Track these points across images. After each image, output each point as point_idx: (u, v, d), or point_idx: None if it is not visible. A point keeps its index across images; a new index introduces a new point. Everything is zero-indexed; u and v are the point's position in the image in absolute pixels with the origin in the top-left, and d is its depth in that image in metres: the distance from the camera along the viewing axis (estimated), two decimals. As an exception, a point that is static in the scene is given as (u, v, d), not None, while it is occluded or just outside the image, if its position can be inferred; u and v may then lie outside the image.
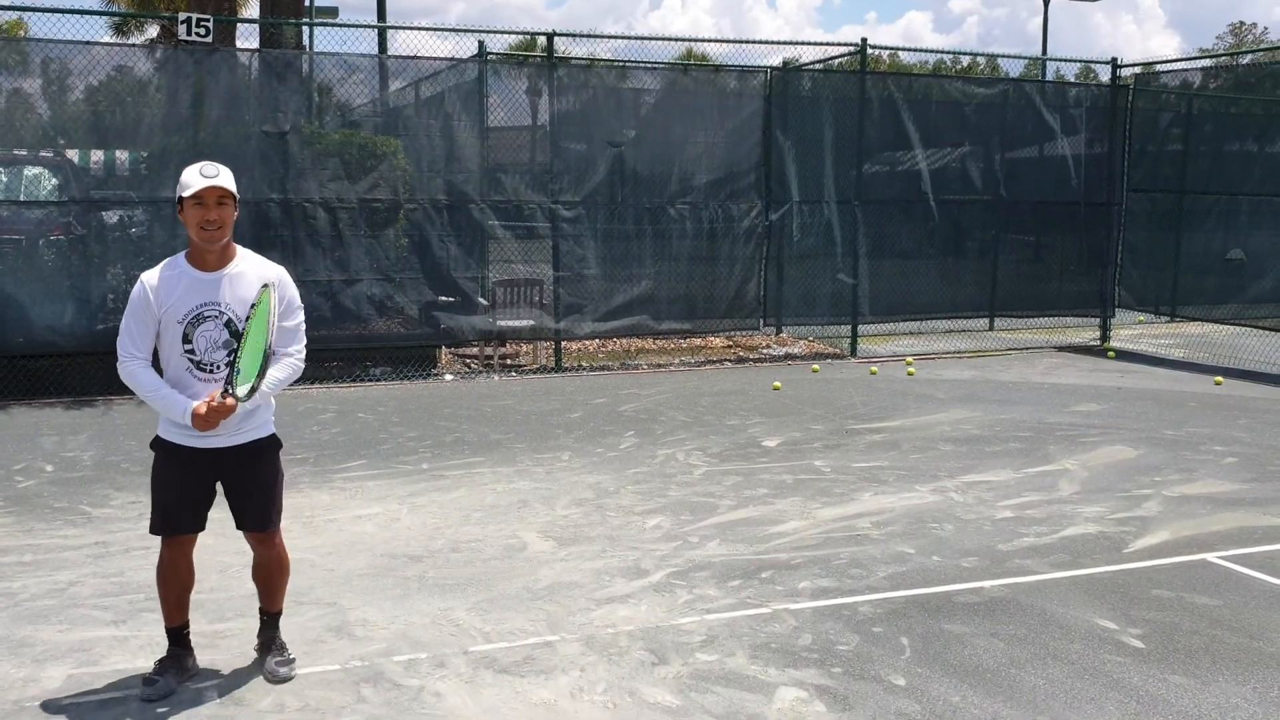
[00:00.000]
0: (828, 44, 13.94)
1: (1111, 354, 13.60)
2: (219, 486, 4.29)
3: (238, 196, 4.15)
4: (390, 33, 15.46)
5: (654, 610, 5.17)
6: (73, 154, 10.84)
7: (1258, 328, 13.06)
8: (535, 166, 12.38)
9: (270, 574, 4.48)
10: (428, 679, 4.41)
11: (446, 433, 8.88)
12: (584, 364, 12.45)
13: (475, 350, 12.33)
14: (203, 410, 4.00)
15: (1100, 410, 9.99)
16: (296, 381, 4.51)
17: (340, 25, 12.95)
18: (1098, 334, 14.51)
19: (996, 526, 6.50)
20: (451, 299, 11.60)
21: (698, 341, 13.61)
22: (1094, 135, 14.34)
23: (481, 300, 11.73)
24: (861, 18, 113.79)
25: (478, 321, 11.72)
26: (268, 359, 4.00)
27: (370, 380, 11.16)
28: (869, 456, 8.18)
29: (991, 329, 14.75)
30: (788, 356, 13.14)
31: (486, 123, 11.66)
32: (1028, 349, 13.87)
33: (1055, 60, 22.02)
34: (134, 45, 15.08)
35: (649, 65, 13.09)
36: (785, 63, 14.50)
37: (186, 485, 4.21)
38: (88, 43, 10.42)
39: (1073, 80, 19.13)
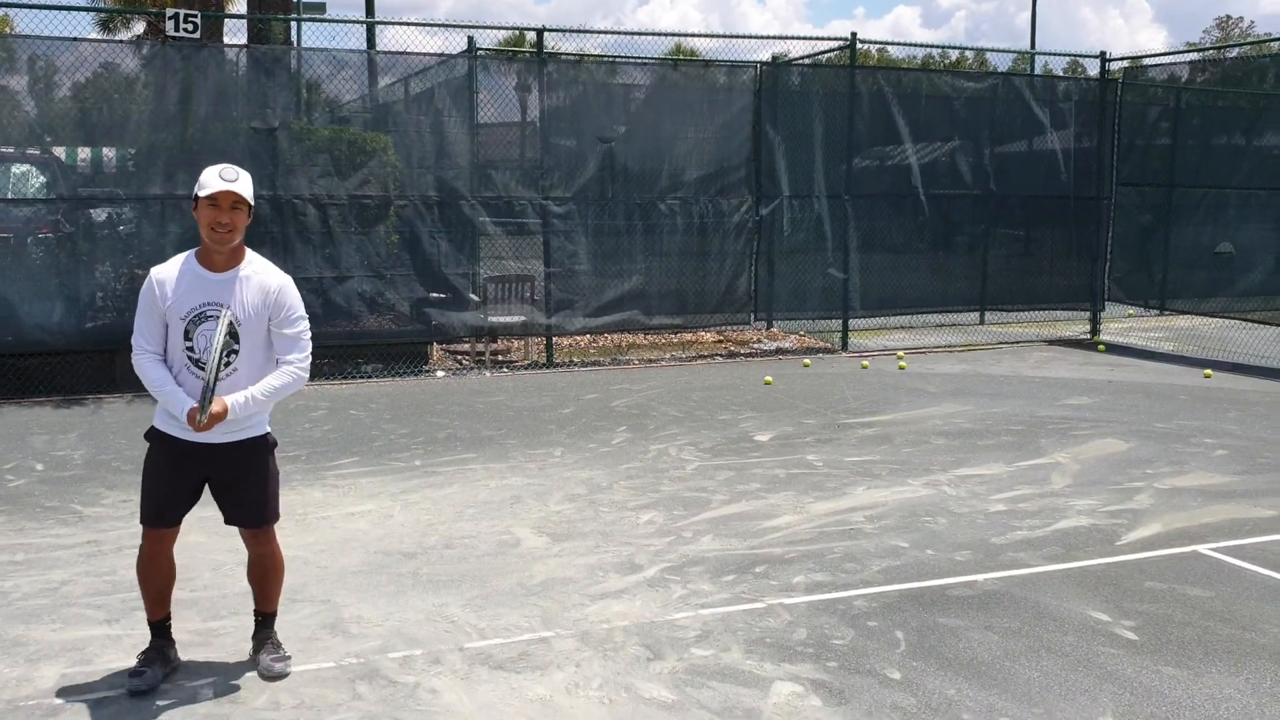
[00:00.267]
0: (817, 39, 13.99)
1: (1101, 347, 13.64)
2: (206, 487, 4.30)
3: (253, 204, 4.17)
4: (379, 28, 15.42)
5: (648, 605, 5.17)
6: (60, 151, 10.79)
7: (1246, 320, 13.12)
8: (526, 162, 12.36)
9: (265, 573, 4.47)
10: (423, 676, 4.41)
11: (439, 429, 8.87)
12: (575, 359, 12.45)
13: (467, 346, 12.32)
14: (197, 410, 4.03)
15: (1091, 403, 10.03)
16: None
17: (329, 21, 12.89)
18: (1088, 327, 14.55)
19: (989, 520, 6.52)
20: (443, 295, 11.58)
21: (689, 336, 13.61)
22: (1083, 129, 14.38)
23: (473, 296, 11.71)
24: (850, 12, 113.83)
25: (469, 318, 11.71)
26: (212, 386, 3.98)
27: (362, 377, 11.14)
28: (861, 450, 8.19)
29: (982, 323, 14.78)
30: (779, 351, 13.16)
31: (476, 119, 11.64)
32: (1018, 343, 13.90)
33: (1044, 54, 22.03)
34: (121, 41, 15.01)
35: (639, 61, 13.08)
36: (775, 57, 14.50)
37: (176, 478, 4.22)
38: (74, 39, 10.35)
39: (1061, 75, 19.16)
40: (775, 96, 13.14)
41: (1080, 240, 14.47)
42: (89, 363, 10.25)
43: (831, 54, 14.00)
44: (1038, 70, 23.21)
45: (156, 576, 4.32)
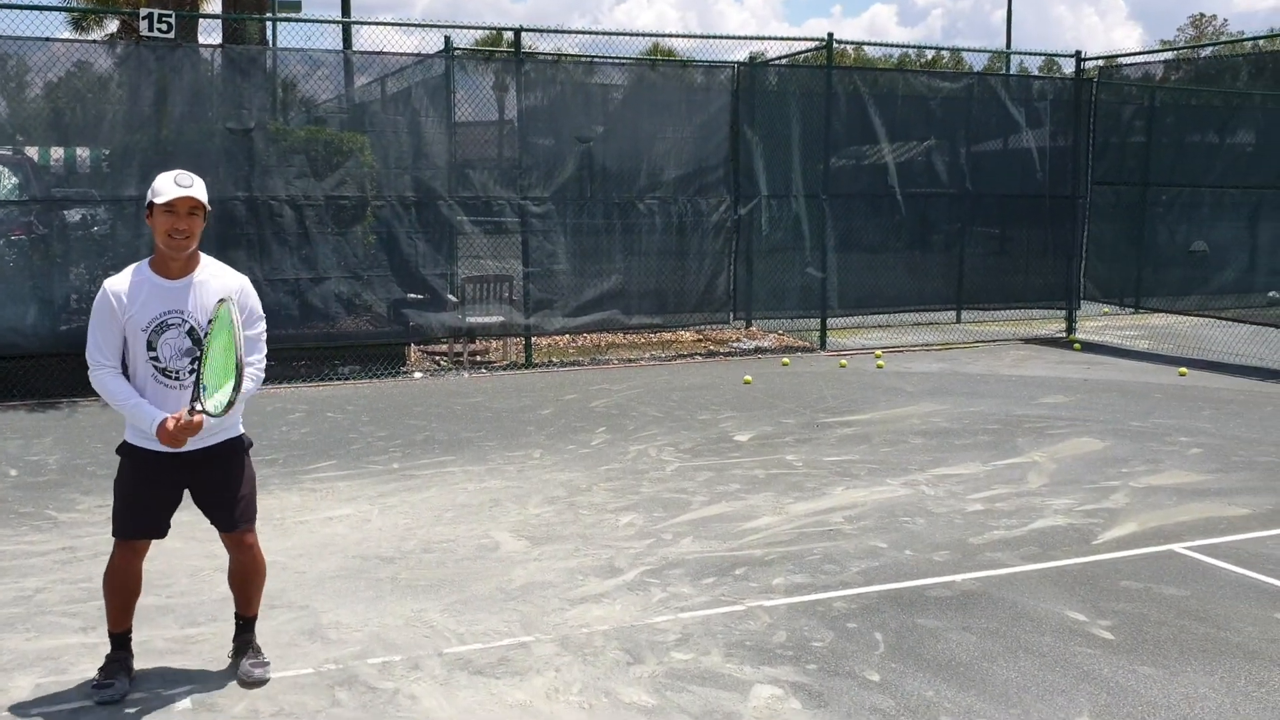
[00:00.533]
0: (794, 39, 14.02)
1: (1077, 346, 13.73)
2: (186, 493, 4.27)
3: (209, 208, 4.12)
4: (355, 28, 15.35)
5: (628, 609, 5.17)
6: (33, 152, 10.69)
7: (1220, 318, 13.23)
8: (504, 162, 12.34)
9: (246, 577, 4.44)
10: (402, 681, 4.39)
11: (417, 431, 8.84)
12: (554, 360, 12.43)
13: (445, 347, 12.28)
14: (170, 426, 3.96)
15: (1067, 402, 10.09)
16: (264, 381, 4.47)
17: (304, 20, 12.81)
18: (1063, 326, 14.64)
19: (967, 519, 6.55)
20: (420, 296, 11.54)
21: (668, 336, 13.62)
22: (1058, 128, 14.47)
23: (450, 297, 11.68)
24: (827, 11, 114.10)
25: (447, 318, 11.67)
26: (240, 372, 3.94)
27: (339, 379, 11.09)
28: (840, 450, 8.22)
29: (959, 321, 14.85)
30: (757, 350, 13.18)
31: (454, 119, 11.61)
32: (995, 341, 13.97)
33: (1019, 54, 22.15)
34: (94, 41, 14.90)
35: (616, 61, 13.07)
36: (752, 57, 14.54)
37: (152, 490, 4.18)
38: (46, 39, 10.26)
39: (1037, 74, 19.28)
40: (753, 96, 13.16)
41: (1056, 239, 14.56)
42: (63, 366, 10.15)
43: (808, 54, 14.03)
44: (1013, 69, 23.32)
45: (124, 588, 4.28)
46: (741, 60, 13.53)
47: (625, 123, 12.68)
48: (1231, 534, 6.30)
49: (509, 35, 12.10)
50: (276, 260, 10.73)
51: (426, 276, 11.53)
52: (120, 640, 4.34)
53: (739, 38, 16.33)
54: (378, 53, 11.80)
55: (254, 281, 4.46)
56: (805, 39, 13.98)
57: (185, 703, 4.20)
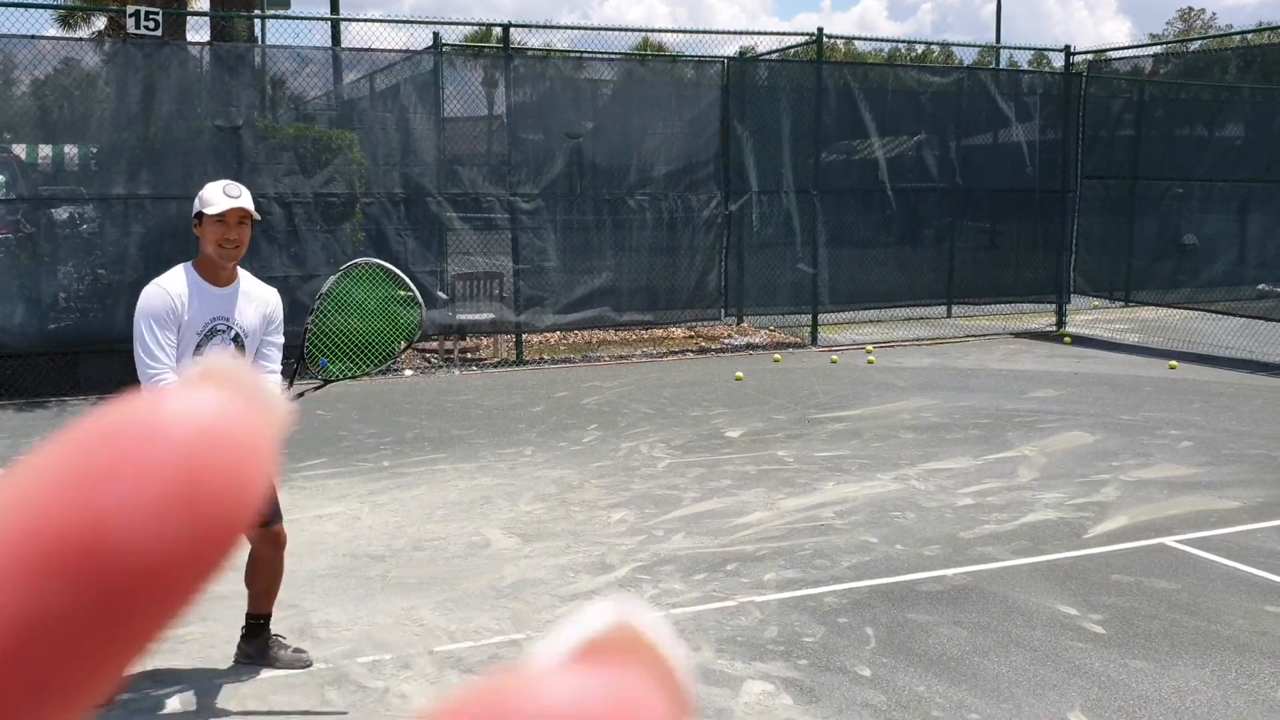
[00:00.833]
0: (784, 33, 14.00)
1: (1067, 339, 13.75)
2: None
3: (257, 217, 4.18)
4: (344, 25, 15.30)
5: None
6: (20, 150, 10.63)
7: (1210, 311, 13.25)
8: (493, 159, 12.31)
9: (275, 572, 4.48)
10: (393, 680, 4.38)
11: (407, 429, 8.82)
12: (545, 357, 12.41)
13: (435, 345, 12.25)
14: None
15: (1057, 396, 10.10)
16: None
17: (292, 18, 12.79)
18: (1053, 320, 14.67)
19: (958, 514, 6.56)
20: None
21: (659, 333, 13.61)
22: (1048, 122, 14.48)
23: (440, 294, 11.65)
24: (817, 5, 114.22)
25: (437, 315, 11.64)
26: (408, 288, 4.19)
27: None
28: (831, 445, 8.22)
29: (949, 316, 14.86)
30: (749, 346, 13.18)
31: (443, 115, 11.57)
32: (985, 335, 13.99)
33: (1009, 48, 22.21)
34: (81, 39, 14.82)
35: (605, 56, 13.05)
36: (742, 52, 14.51)
37: None
38: (33, 36, 10.20)
39: (1026, 68, 19.31)
40: (743, 91, 13.15)
41: (1046, 233, 14.58)
42: (52, 365, 10.13)
43: (798, 48, 14.02)
44: (1003, 63, 23.35)
45: None
46: (731, 55, 13.50)
47: (615, 118, 12.65)
48: (1222, 527, 6.31)
49: (498, 31, 12.07)
50: (265, 258, 10.68)
51: (416, 273, 11.46)
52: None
53: (729, 32, 16.32)
54: (366, 49, 11.76)
55: None
56: (795, 33, 13.97)
57: (174, 702, 4.19)
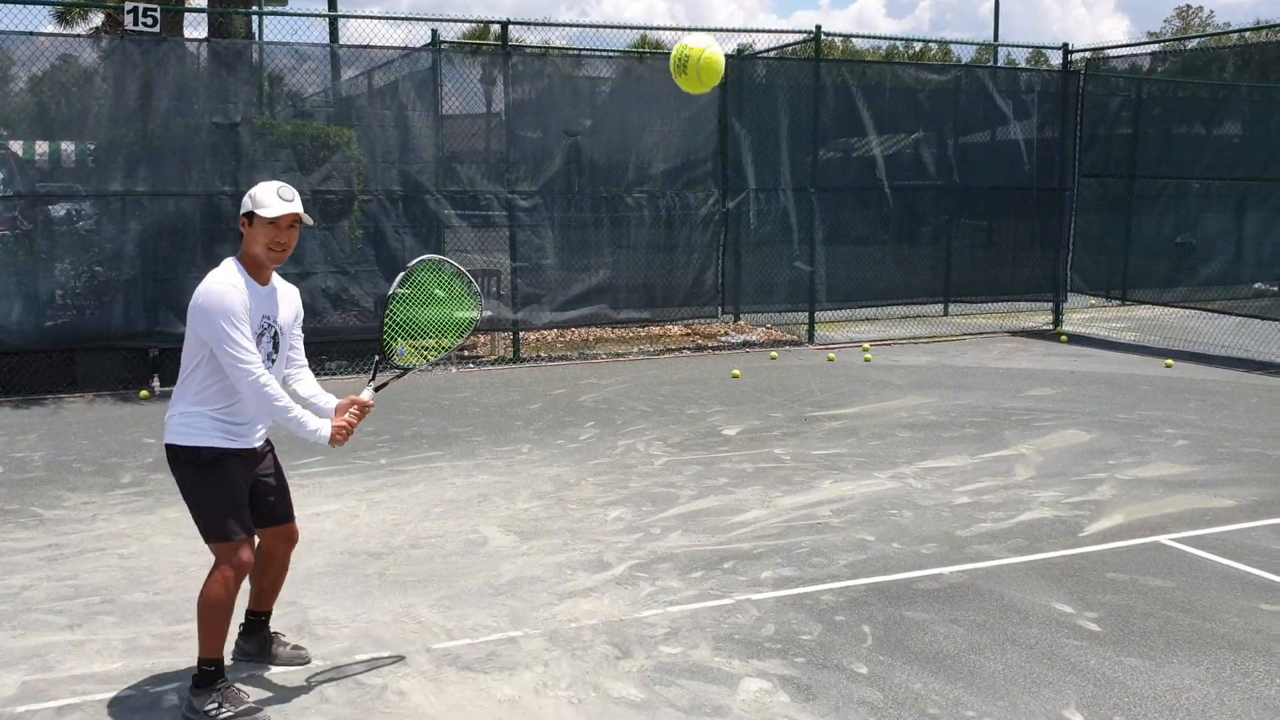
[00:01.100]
0: (782, 31, 13.99)
1: (1064, 338, 13.77)
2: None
3: (307, 221, 4.18)
4: (342, 21, 15.30)
5: (617, 603, 5.17)
6: (17, 146, 10.62)
7: (1207, 310, 13.28)
8: (491, 156, 12.31)
9: (285, 568, 4.48)
10: (390, 678, 4.39)
11: (404, 426, 8.83)
12: (542, 354, 12.42)
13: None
14: (352, 418, 4.23)
15: (1054, 394, 10.12)
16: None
17: (290, 14, 12.76)
18: (1050, 318, 14.68)
19: (954, 512, 6.57)
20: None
21: (656, 330, 13.61)
22: (1045, 120, 14.49)
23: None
24: (815, 2, 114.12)
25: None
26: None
27: (326, 374, 11.06)
28: (828, 444, 8.23)
29: (946, 314, 14.88)
30: (746, 344, 13.19)
31: (441, 112, 11.57)
32: (982, 334, 14.01)
33: (1007, 46, 22.26)
34: (79, 35, 14.81)
35: (604, 53, 13.05)
36: (740, 50, 14.52)
37: (243, 488, 4.17)
38: (30, 33, 10.19)
39: (1024, 65, 19.33)
40: (741, 89, 13.15)
41: (1043, 231, 14.59)
42: (48, 362, 10.12)
43: (796, 46, 14.02)
44: (1001, 61, 23.35)
45: (233, 603, 4.12)
46: (729, 53, 13.51)
47: (613, 116, 12.65)
48: (1217, 525, 6.33)
49: (496, 28, 12.07)
50: (263, 255, 10.67)
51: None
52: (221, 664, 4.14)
53: (727, 30, 16.31)
54: (364, 46, 11.76)
55: None
56: (793, 31, 13.96)
57: (173, 699, 4.19)
